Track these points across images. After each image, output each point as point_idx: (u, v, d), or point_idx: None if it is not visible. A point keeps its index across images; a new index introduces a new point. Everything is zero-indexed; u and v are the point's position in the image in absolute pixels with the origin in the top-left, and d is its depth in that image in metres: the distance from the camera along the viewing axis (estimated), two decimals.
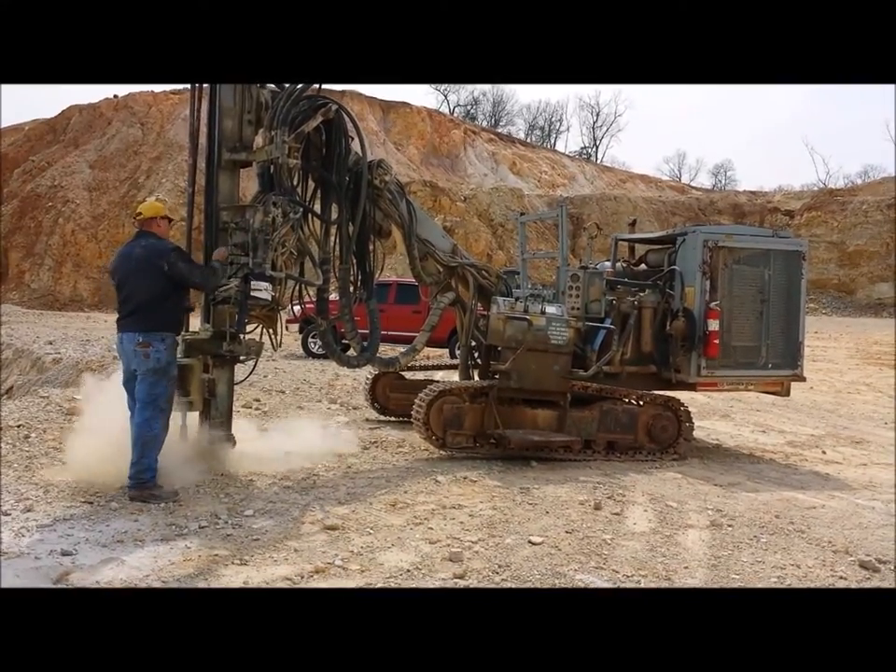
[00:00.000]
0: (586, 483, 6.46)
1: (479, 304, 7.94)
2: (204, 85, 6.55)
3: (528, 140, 68.16)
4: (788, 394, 8.39)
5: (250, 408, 8.91)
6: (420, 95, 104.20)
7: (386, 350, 12.19)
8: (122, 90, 43.63)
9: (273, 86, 6.67)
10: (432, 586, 4.16)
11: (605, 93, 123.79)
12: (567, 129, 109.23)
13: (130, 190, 37.60)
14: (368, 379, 9.17)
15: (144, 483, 5.36)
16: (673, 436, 7.61)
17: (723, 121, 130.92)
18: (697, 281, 7.65)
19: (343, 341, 7.91)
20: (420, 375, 9.73)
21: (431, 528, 5.11)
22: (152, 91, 43.93)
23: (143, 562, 4.30)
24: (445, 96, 70.80)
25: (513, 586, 4.21)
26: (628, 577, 4.42)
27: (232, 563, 4.34)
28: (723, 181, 75.35)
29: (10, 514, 4.94)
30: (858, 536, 5.41)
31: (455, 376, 8.96)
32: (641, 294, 7.95)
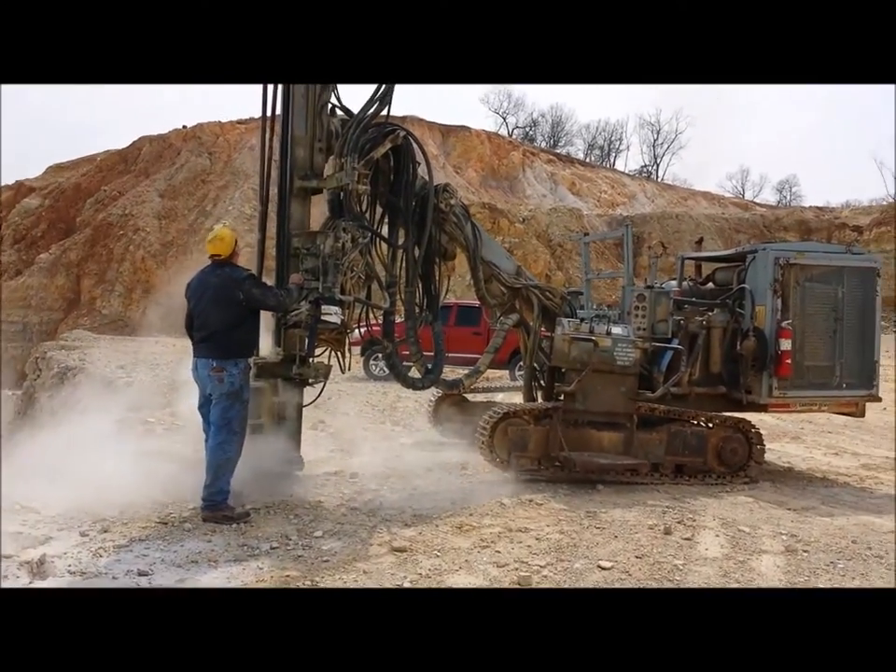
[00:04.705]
0: (655, 507, 6.36)
1: (543, 326, 7.91)
2: (277, 113, 6.74)
3: (587, 160, 67.89)
4: (863, 415, 8.16)
5: (316, 430, 9.03)
6: (479, 118, 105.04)
7: (445, 372, 12.20)
8: (191, 120, 45.01)
9: (342, 114, 6.82)
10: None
11: (665, 111, 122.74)
12: (627, 148, 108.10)
13: (198, 218, 38.63)
14: (431, 401, 9.21)
15: (217, 504, 5.46)
16: (743, 459, 7.44)
17: (789, 136, 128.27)
18: (768, 299, 7.50)
19: (405, 363, 7.96)
20: (480, 397, 9.73)
21: (499, 552, 5.09)
22: (219, 122, 45.20)
23: (217, 582, 4.38)
24: (504, 118, 71.11)
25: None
26: None
27: (303, 583, 4.39)
28: (788, 197, 73.71)
29: (88, 535, 5.08)
30: None
31: (515, 398, 8.94)
32: (710, 313, 7.82)
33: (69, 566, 4.51)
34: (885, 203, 53.64)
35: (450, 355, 12.44)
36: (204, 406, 5.75)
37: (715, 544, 5.46)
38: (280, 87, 6.64)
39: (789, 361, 7.44)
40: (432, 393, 8.97)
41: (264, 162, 6.84)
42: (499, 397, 10.39)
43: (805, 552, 5.34)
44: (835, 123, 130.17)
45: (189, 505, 5.73)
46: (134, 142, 45.14)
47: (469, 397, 9.22)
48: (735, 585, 4.64)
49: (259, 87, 6.75)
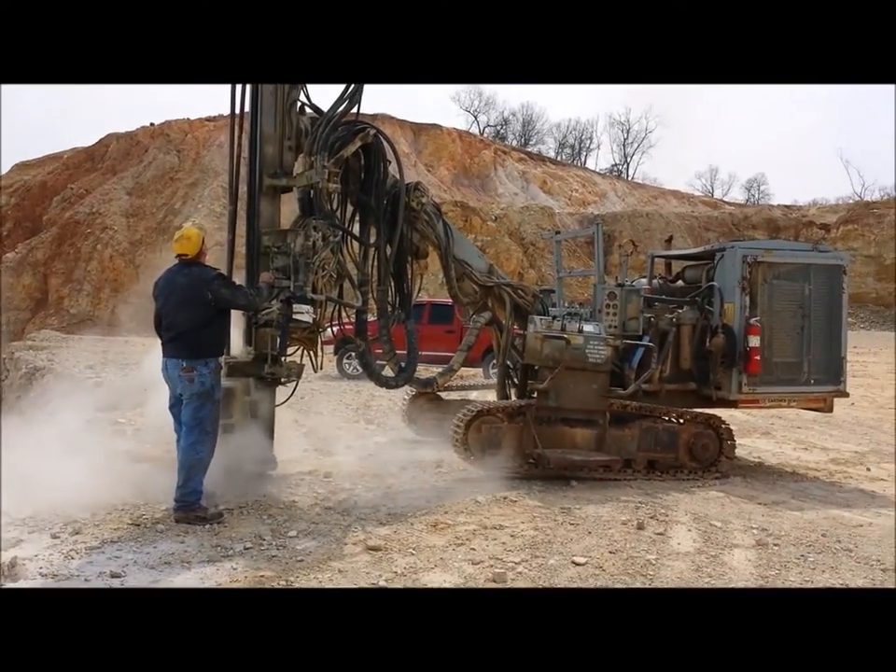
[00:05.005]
0: (628, 502, 6.41)
1: (515, 324, 7.94)
2: (245, 111, 6.69)
3: (559, 158, 68.17)
4: (831, 410, 8.28)
5: (290, 429, 8.97)
6: (450, 117, 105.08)
7: (420, 370, 12.21)
8: (159, 117, 44.51)
9: (312, 112, 6.79)
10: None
11: (635, 110, 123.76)
12: (598, 146, 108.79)
13: (167, 216, 38.25)
14: (405, 400, 9.21)
15: (189, 505, 5.42)
16: (714, 454, 7.53)
17: (756, 135, 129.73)
18: (736, 297, 7.59)
19: (379, 361, 7.95)
20: (454, 395, 9.74)
21: (473, 549, 5.10)
22: (188, 119, 44.76)
23: (190, 583, 4.34)
24: (475, 117, 71.18)
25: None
26: None
27: (278, 584, 4.37)
28: (757, 195, 74.54)
29: (59, 537, 5.02)
30: None
31: (489, 396, 8.96)
32: (679, 311, 7.90)
33: (40, 568, 4.47)
34: (851, 201, 54.48)
35: (424, 353, 12.45)
36: (175, 406, 5.70)
37: (687, 539, 5.52)
38: (249, 85, 6.60)
39: (757, 358, 7.53)
40: (406, 391, 8.97)
41: (233, 161, 6.79)
42: (473, 395, 10.41)
43: (775, 545, 5.41)
44: (803, 123, 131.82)
45: (162, 506, 5.69)
46: (101, 139, 44.50)
47: (443, 395, 9.22)
48: (708, 579, 4.70)
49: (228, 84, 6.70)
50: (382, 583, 4.42)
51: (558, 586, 4.47)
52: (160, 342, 5.82)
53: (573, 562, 4.88)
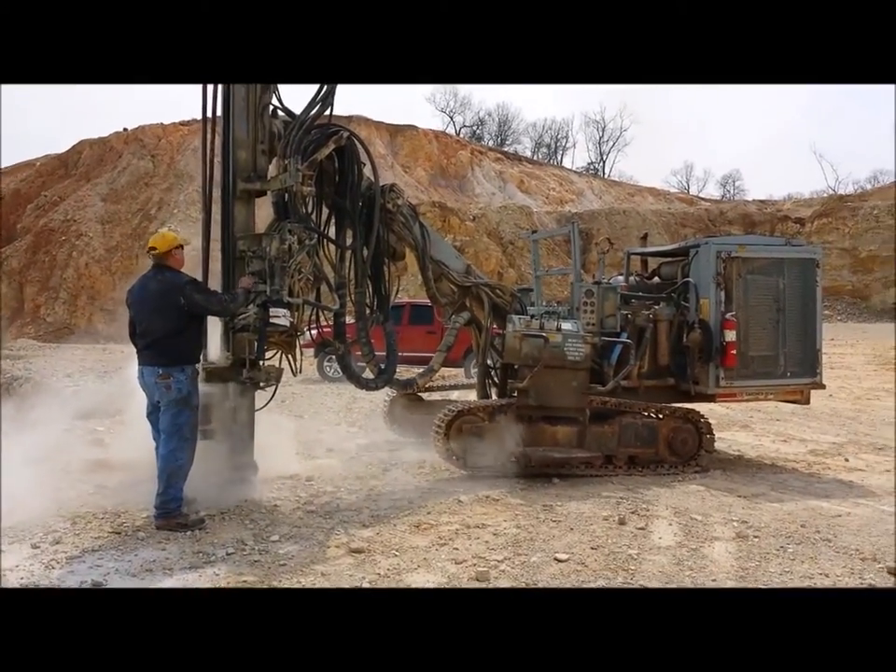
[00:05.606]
0: (609, 498, 6.45)
1: (494, 323, 7.97)
2: (217, 115, 6.65)
3: (535, 158, 68.35)
4: (808, 402, 8.36)
5: (270, 433, 8.92)
6: (426, 118, 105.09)
7: (401, 371, 12.21)
8: (132, 122, 44.19)
9: (284, 115, 6.77)
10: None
11: (610, 108, 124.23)
12: (574, 145, 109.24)
13: (142, 222, 37.99)
14: (386, 401, 9.21)
15: (170, 512, 5.39)
16: (694, 448, 7.58)
17: (730, 131, 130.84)
18: (712, 292, 7.66)
19: (359, 364, 7.95)
20: (436, 396, 9.75)
21: (456, 548, 5.12)
22: (161, 124, 44.47)
23: None
24: (451, 117, 71.25)
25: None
26: None
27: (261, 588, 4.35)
28: (732, 191, 75.18)
29: (39, 547, 4.98)
30: (885, 543, 5.37)
31: (471, 396, 8.98)
32: (656, 307, 7.96)
33: (21, 578, 4.43)
34: (825, 195, 55.04)
35: (405, 354, 12.48)
36: (153, 414, 5.67)
37: (668, 533, 5.56)
38: (220, 88, 6.55)
39: (734, 352, 7.60)
40: (387, 393, 8.97)
41: (206, 166, 6.74)
42: (455, 395, 10.43)
43: (755, 537, 5.46)
44: (777, 118, 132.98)
45: (142, 514, 5.66)
46: (74, 146, 44.15)
47: (425, 395, 9.24)
48: (689, 572, 4.73)
49: (200, 87, 6.65)
50: (365, 585, 4.42)
51: (541, 583, 4.50)
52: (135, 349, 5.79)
53: (555, 559, 4.90)
